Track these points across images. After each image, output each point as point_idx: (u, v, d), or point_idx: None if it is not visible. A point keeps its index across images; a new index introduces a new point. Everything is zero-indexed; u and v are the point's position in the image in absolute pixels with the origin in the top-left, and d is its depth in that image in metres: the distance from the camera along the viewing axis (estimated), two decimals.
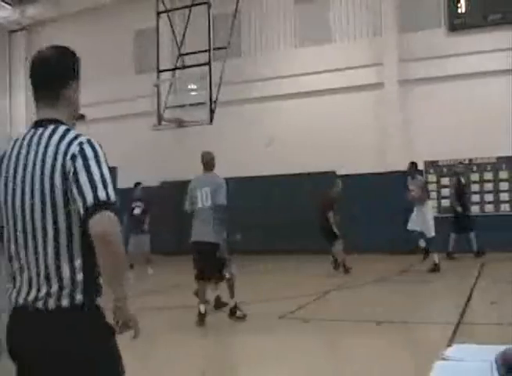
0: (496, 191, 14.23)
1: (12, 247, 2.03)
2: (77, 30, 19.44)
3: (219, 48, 12.53)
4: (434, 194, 13.57)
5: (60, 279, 1.94)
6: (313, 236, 15.22)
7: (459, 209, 12.55)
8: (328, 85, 15.63)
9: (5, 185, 2.05)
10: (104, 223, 1.87)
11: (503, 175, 14.28)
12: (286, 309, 7.61)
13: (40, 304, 1.95)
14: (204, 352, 6.15)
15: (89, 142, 1.99)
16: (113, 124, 18.23)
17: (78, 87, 2.16)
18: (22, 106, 20.52)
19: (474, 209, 13.77)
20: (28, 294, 1.98)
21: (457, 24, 14.60)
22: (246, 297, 8.07)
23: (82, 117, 2.15)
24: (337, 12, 16.00)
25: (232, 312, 7.04)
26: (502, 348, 1.59)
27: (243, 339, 6.30)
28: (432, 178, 14.74)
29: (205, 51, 12.02)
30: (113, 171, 19.48)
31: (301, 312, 7.53)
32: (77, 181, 1.90)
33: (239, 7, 13.98)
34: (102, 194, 1.89)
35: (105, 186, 1.91)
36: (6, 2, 18.93)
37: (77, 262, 1.95)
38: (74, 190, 1.90)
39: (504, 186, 14.27)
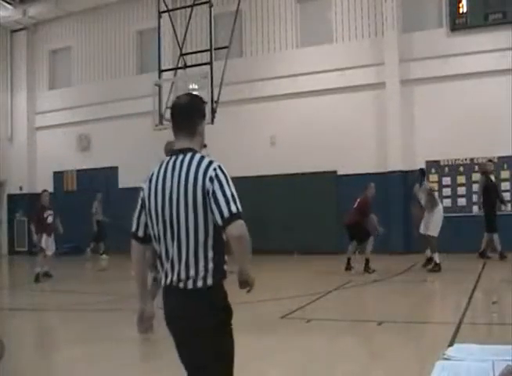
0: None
1: (162, 243, 2.67)
2: (79, 30, 19.48)
3: (220, 48, 12.53)
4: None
5: (197, 267, 2.59)
6: (314, 236, 15.29)
7: (478, 210, 12.57)
8: (329, 85, 15.62)
9: (155, 197, 2.68)
10: (238, 229, 2.54)
11: (505, 174, 14.26)
12: (286, 308, 7.63)
13: (181, 284, 2.60)
14: None
15: (220, 167, 2.63)
16: (115, 124, 18.25)
17: (204, 124, 2.85)
18: (23, 104, 20.57)
19: (474, 209, 13.76)
20: (172, 277, 2.63)
21: (458, 24, 14.59)
22: (247, 297, 8.07)
23: (205, 146, 3.01)
24: (339, 12, 15.99)
25: None
26: (503, 347, 1.59)
27: (243, 339, 6.27)
28: (434, 178, 14.74)
29: (206, 50, 12.02)
30: (113, 170, 19.29)
31: (302, 312, 7.54)
32: (215, 198, 2.54)
33: (241, 7, 13.97)
34: (233, 208, 2.54)
35: (234, 202, 2.56)
36: (8, 2, 18.96)
37: (210, 255, 2.60)
38: (213, 205, 2.54)
39: (506, 185, 14.25)
